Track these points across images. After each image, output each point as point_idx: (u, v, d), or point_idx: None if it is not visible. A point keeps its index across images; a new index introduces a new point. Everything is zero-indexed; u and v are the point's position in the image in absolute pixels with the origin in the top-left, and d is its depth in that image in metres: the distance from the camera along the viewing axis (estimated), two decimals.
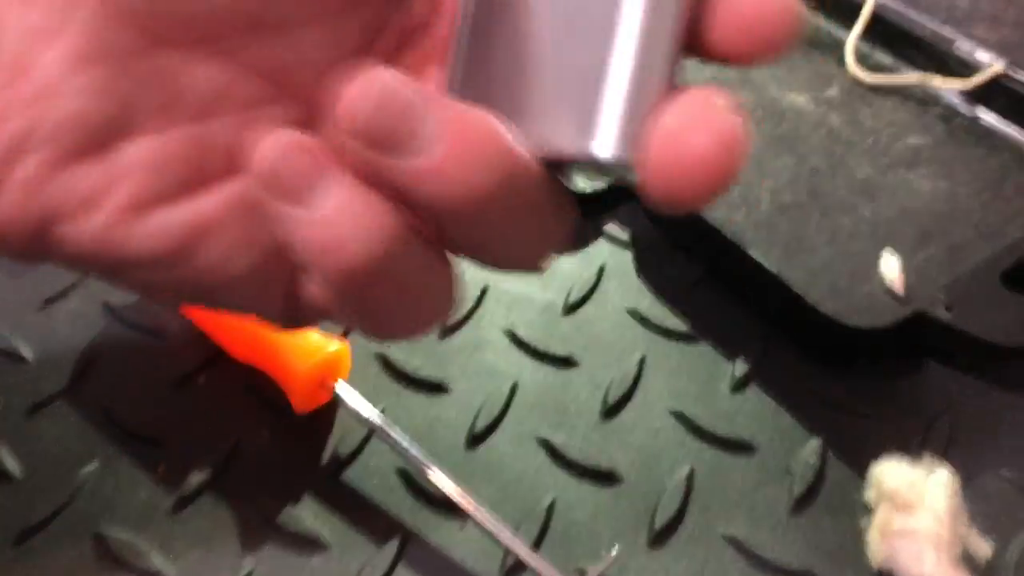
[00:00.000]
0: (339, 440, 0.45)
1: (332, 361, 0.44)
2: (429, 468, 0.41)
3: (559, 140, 0.22)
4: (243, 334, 0.46)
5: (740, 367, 0.49)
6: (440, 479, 0.41)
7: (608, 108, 0.21)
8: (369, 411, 0.43)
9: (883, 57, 0.68)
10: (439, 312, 0.25)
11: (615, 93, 0.21)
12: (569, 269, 0.53)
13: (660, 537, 0.42)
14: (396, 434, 0.42)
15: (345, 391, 0.43)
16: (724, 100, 0.22)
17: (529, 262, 0.25)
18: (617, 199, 0.56)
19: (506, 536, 0.40)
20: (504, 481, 0.44)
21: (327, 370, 0.44)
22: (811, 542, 0.42)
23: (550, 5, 0.22)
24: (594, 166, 0.22)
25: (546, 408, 0.47)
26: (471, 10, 0.23)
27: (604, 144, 0.21)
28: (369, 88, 0.20)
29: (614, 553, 0.42)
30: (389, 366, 0.48)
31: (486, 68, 0.23)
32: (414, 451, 0.42)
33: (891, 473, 0.43)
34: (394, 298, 0.23)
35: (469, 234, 0.22)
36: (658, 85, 0.22)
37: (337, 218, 0.21)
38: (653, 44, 0.22)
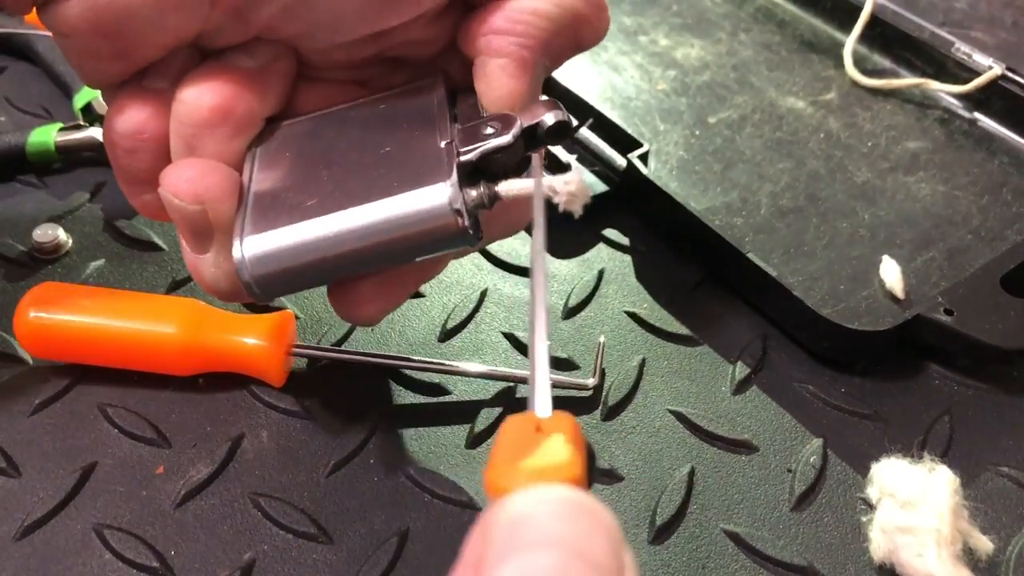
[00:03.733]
0: (339, 437, 0.45)
1: (290, 330, 0.47)
2: (405, 361, 0.47)
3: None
4: (186, 349, 0.45)
5: (741, 369, 0.49)
6: (416, 367, 0.47)
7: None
8: (324, 349, 0.48)
9: (881, 60, 0.68)
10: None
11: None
12: (569, 273, 0.53)
13: (661, 533, 0.42)
14: (358, 352, 0.47)
15: (298, 349, 0.47)
16: None
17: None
18: (616, 203, 0.56)
19: (503, 370, 0.47)
20: None
21: (290, 339, 0.46)
22: (812, 538, 0.42)
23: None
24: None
25: None
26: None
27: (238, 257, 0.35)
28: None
29: (602, 339, 0.48)
30: (390, 368, 0.48)
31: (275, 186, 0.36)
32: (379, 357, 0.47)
33: (892, 471, 0.43)
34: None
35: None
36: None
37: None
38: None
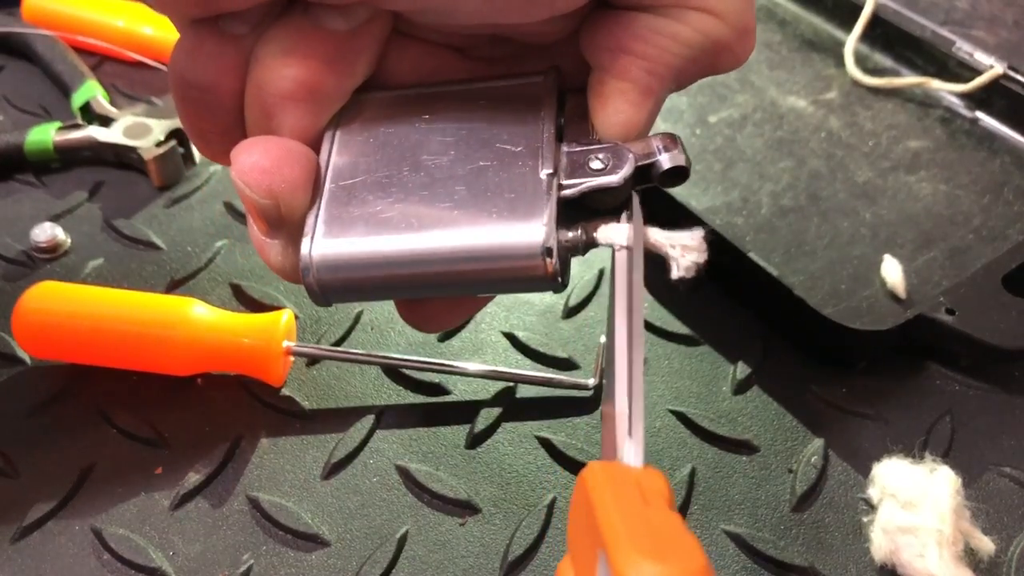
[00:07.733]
0: (339, 438, 0.44)
1: (289, 329, 0.47)
2: (405, 360, 0.47)
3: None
4: (184, 349, 0.45)
5: (742, 369, 0.48)
6: (416, 367, 0.48)
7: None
8: (323, 348, 0.48)
9: (883, 59, 0.68)
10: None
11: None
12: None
13: None
14: (358, 352, 0.48)
15: (297, 348, 0.47)
16: None
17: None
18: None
19: (503, 369, 0.47)
20: (505, 479, 0.43)
21: (289, 338, 0.47)
22: (813, 538, 0.42)
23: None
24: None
25: (546, 409, 0.46)
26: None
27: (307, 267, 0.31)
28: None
29: (602, 339, 0.48)
30: (390, 368, 0.47)
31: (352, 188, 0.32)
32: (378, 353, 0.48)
33: (894, 472, 0.42)
34: None
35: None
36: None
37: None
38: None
